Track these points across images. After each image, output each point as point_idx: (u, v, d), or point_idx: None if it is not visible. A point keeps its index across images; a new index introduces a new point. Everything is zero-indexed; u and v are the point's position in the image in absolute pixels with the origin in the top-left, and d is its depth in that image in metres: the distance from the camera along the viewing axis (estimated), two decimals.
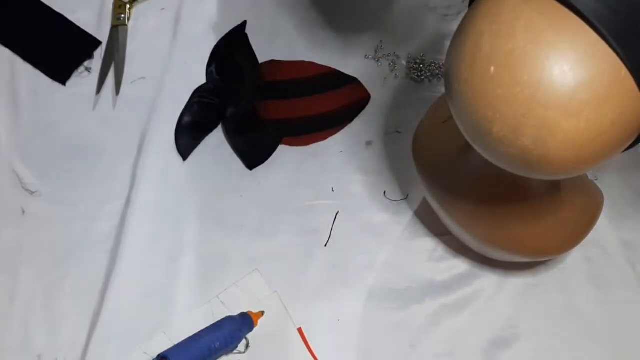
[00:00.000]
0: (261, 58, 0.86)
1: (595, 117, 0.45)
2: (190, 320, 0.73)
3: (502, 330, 0.72)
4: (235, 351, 0.72)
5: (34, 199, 0.81)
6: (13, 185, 0.81)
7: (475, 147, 0.51)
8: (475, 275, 0.75)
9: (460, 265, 0.75)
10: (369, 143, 0.82)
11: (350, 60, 0.86)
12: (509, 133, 0.46)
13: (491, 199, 0.65)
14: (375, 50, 0.86)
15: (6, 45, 0.89)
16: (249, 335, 0.72)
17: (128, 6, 0.90)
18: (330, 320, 0.73)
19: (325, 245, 0.77)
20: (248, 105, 0.83)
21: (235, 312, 0.72)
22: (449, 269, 0.75)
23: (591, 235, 0.68)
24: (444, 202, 0.69)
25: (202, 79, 0.86)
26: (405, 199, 0.79)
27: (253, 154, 0.82)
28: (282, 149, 0.82)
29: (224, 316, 0.72)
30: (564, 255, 0.74)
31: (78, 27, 0.90)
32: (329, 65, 0.85)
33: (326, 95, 0.84)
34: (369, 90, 0.84)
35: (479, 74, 0.47)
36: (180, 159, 0.82)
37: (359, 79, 0.85)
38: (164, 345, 0.70)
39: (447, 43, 0.52)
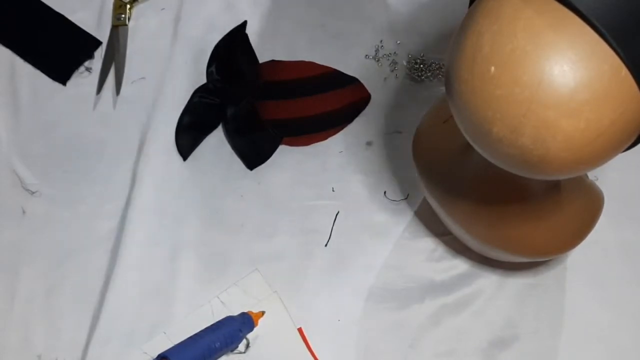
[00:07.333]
0: (261, 58, 0.86)
1: (595, 117, 0.45)
2: (190, 320, 0.73)
3: (502, 330, 0.72)
4: (235, 351, 0.72)
5: (34, 199, 0.81)
6: (13, 185, 0.81)
7: (475, 147, 0.51)
8: (475, 275, 0.75)
9: (460, 265, 0.75)
10: (369, 143, 0.82)
11: (350, 60, 0.86)
12: (509, 133, 0.46)
13: (491, 199, 0.65)
14: (375, 50, 0.86)
15: (6, 45, 0.89)
16: (249, 335, 0.72)
17: (128, 6, 0.90)
18: (330, 320, 0.73)
19: (325, 245, 0.77)
20: (248, 105, 0.83)
21: (235, 312, 0.72)
22: (449, 269, 0.75)
23: (591, 235, 0.68)
24: (444, 202, 0.69)
25: (202, 79, 0.85)
26: (405, 199, 0.79)
27: (253, 154, 0.82)
28: (282, 149, 0.82)
29: (224, 316, 0.72)
30: (564, 255, 0.74)
31: (78, 27, 0.90)
32: (329, 65, 0.85)
33: (326, 95, 0.84)
34: (369, 90, 0.84)
35: (479, 75, 0.47)
36: (180, 159, 0.82)
37: (359, 79, 0.85)
38: (164, 345, 0.70)
39: (448, 43, 0.52)
